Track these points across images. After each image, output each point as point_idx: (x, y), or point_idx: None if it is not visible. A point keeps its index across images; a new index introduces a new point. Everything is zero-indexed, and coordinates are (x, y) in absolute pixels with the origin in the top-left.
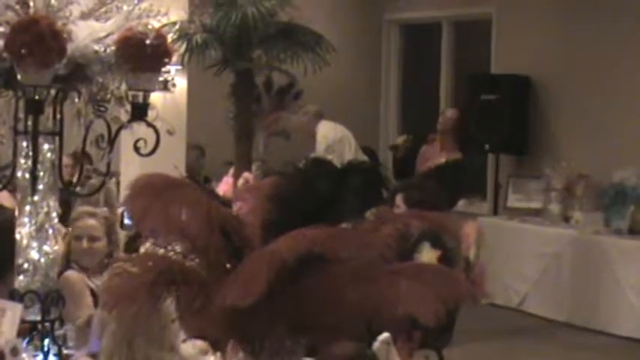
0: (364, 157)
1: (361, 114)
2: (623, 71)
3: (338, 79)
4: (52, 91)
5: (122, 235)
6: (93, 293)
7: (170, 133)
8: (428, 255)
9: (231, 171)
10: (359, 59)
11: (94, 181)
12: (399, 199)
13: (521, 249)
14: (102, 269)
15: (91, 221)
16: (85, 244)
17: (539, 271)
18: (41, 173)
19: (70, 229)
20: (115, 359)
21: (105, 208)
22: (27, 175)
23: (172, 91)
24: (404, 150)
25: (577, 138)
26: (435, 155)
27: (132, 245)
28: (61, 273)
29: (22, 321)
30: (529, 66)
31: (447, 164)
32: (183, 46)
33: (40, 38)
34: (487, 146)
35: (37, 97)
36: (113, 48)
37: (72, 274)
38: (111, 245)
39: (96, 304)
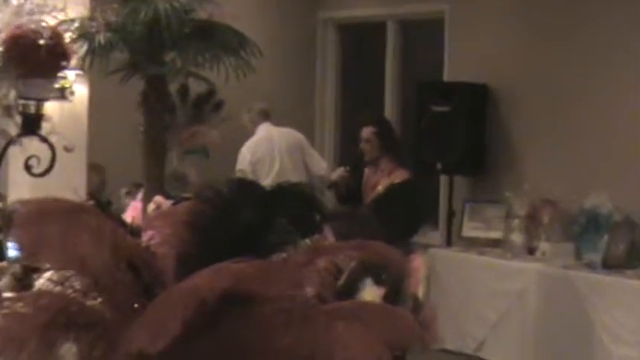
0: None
1: (292, 127)
2: (596, 81)
3: (265, 86)
4: None
5: None
6: None
7: (68, 149)
8: (371, 293)
9: (140, 194)
10: (289, 64)
11: None
12: (327, 231)
13: (479, 286)
14: None
15: None
16: None
17: (500, 312)
18: None
19: None
20: None
21: None
22: None
23: (71, 100)
24: (344, 185)
25: (542, 157)
26: (382, 179)
27: (20, 283)
28: None
29: None
30: (487, 73)
31: (396, 187)
32: (84, 48)
33: None
34: (439, 166)
35: None
36: (0, 49)
37: None
38: None
39: None
